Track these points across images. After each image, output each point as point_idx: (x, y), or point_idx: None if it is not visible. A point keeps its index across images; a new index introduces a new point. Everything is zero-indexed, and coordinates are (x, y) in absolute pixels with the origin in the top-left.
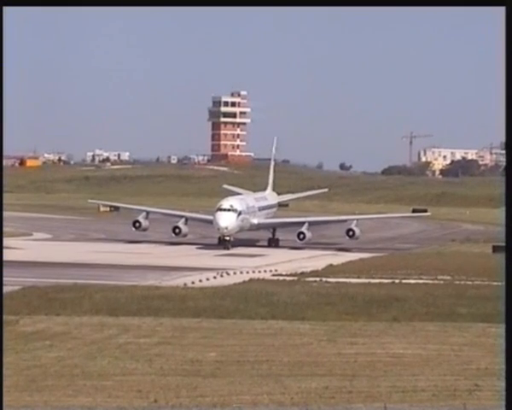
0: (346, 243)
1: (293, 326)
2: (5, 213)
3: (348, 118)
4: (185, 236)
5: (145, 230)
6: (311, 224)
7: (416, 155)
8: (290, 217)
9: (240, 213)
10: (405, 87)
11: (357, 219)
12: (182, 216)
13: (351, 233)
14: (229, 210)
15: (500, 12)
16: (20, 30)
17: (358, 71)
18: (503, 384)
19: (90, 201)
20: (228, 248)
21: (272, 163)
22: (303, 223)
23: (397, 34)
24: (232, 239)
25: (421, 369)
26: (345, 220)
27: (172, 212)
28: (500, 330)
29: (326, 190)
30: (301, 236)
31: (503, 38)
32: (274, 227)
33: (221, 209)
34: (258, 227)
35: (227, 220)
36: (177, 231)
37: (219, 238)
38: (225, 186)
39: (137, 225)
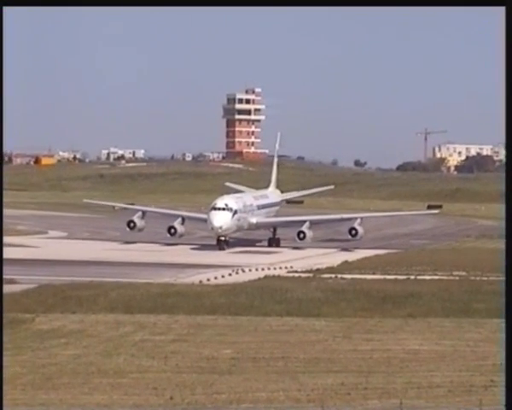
0: (353, 242)
1: (309, 323)
2: (20, 212)
3: (363, 114)
4: (181, 236)
5: (141, 230)
6: (312, 223)
7: (431, 151)
8: (292, 215)
9: (235, 213)
10: (420, 83)
11: (362, 218)
12: (179, 215)
13: (353, 232)
14: (223, 209)
15: (500, 12)
16: (26, 29)
17: (373, 67)
18: None
19: (84, 200)
20: (223, 249)
21: (275, 160)
22: (304, 222)
23: (411, 32)
24: (228, 239)
25: (437, 365)
26: (349, 219)
27: (169, 211)
28: None
29: (332, 187)
30: (301, 235)
31: (503, 38)
32: (274, 226)
33: (215, 208)
34: (257, 226)
35: (221, 220)
36: (172, 231)
37: (218, 239)
38: (227, 184)
39: (132, 225)
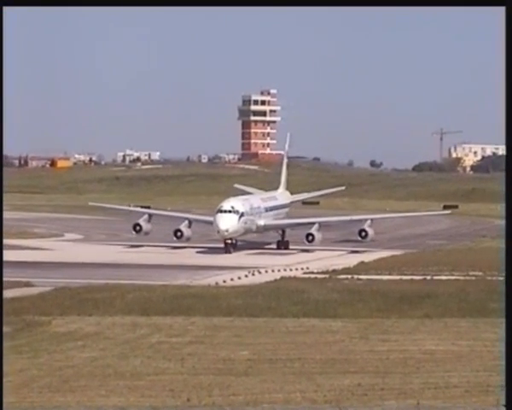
0: (369, 243)
1: (325, 324)
2: (36, 215)
3: (378, 115)
4: (188, 239)
5: (147, 233)
6: (322, 224)
7: (447, 151)
8: (307, 216)
9: (242, 215)
10: (435, 83)
11: (372, 219)
12: (185, 218)
13: (363, 234)
14: (230, 212)
15: (500, 12)
16: (27, 29)
17: (388, 68)
18: None
19: (90, 203)
20: (230, 252)
21: (285, 161)
22: (313, 224)
23: (426, 31)
24: (235, 242)
25: (454, 365)
26: (359, 220)
27: (175, 214)
28: None
29: (343, 187)
30: (310, 237)
31: (503, 38)
32: (283, 229)
33: (221, 211)
34: (266, 229)
35: (227, 223)
36: (178, 234)
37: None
38: (237, 186)
39: (138, 228)
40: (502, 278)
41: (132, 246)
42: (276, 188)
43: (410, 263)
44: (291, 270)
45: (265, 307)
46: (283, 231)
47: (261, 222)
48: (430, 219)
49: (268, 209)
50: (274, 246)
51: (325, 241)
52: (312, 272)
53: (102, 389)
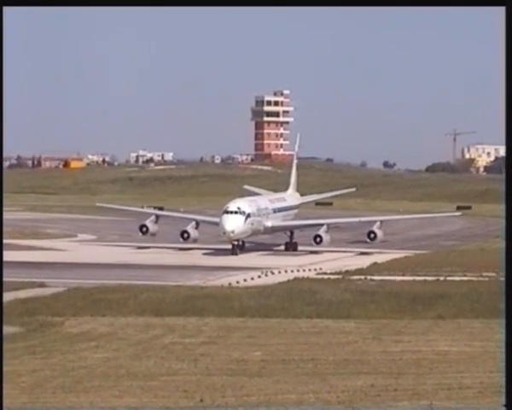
0: (383, 243)
1: (339, 325)
2: (50, 215)
3: (391, 116)
4: (195, 241)
5: (153, 234)
6: (331, 226)
7: (460, 152)
8: (312, 218)
9: (248, 216)
10: (449, 84)
11: (381, 221)
12: (192, 219)
13: (372, 236)
14: (235, 213)
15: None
16: (29, 29)
17: (401, 68)
18: None
19: (97, 204)
20: (236, 254)
21: (295, 162)
22: (322, 225)
23: (439, 32)
24: (243, 243)
25: (467, 366)
26: (369, 222)
27: (182, 215)
28: None
29: (354, 189)
30: (318, 239)
31: (503, 38)
32: (291, 230)
33: (227, 212)
34: (273, 230)
35: (233, 224)
36: (185, 235)
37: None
38: (246, 187)
39: (144, 229)
40: None
41: (140, 247)
42: (294, 189)
43: (424, 264)
44: (304, 271)
45: (278, 307)
46: (291, 233)
47: (268, 223)
48: (443, 220)
49: (276, 210)
50: (282, 248)
51: (338, 242)
52: (325, 273)
53: (116, 389)
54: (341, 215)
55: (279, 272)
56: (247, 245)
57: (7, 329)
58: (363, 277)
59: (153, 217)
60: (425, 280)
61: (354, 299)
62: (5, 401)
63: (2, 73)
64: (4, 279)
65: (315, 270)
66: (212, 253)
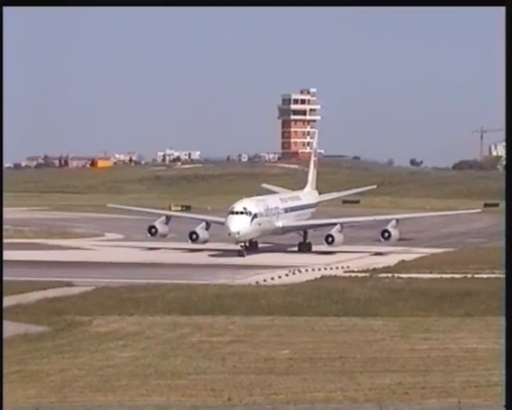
0: (410, 241)
1: (366, 323)
2: (77, 214)
3: (418, 113)
4: (205, 242)
5: (163, 236)
6: (344, 225)
7: (487, 149)
8: (324, 218)
9: (255, 217)
10: (475, 81)
11: (397, 220)
12: (203, 220)
13: (386, 235)
14: (241, 213)
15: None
16: (35, 29)
17: (428, 65)
18: None
19: (108, 205)
20: (243, 256)
21: (313, 159)
22: (335, 224)
23: (465, 28)
24: (247, 245)
25: (495, 364)
26: (384, 220)
27: (193, 215)
28: None
29: (374, 186)
30: (330, 239)
31: (503, 38)
32: (304, 230)
33: (232, 212)
34: (284, 231)
35: (239, 225)
36: (193, 237)
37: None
38: (264, 185)
39: (153, 230)
40: None
41: (150, 248)
42: (317, 187)
43: (451, 261)
44: (331, 269)
45: (306, 305)
46: (305, 233)
47: (279, 223)
48: (470, 218)
49: (288, 210)
50: (295, 248)
51: (363, 240)
52: (353, 271)
53: (143, 388)
54: (365, 213)
55: (306, 271)
56: (260, 246)
57: (35, 328)
58: (390, 275)
59: (163, 218)
60: (452, 278)
61: (382, 297)
62: (5, 401)
63: (2, 73)
64: (32, 279)
65: (342, 268)
66: (219, 254)
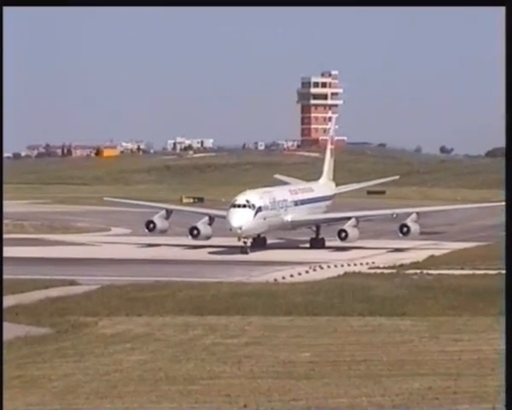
0: (442, 234)
1: (393, 323)
2: (81, 208)
3: (449, 97)
4: (208, 238)
5: (163, 231)
6: (360, 219)
7: None
8: (337, 211)
9: (259, 210)
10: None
11: (418, 213)
12: (206, 214)
13: (405, 230)
14: (244, 206)
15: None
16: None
17: (458, 47)
18: None
19: (105, 198)
20: (246, 253)
21: (329, 147)
22: (350, 218)
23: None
24: (249, 243)
25: None
26: (406, 213)
27: (195, 209)
28: None
29: (397, 177)
30: (343, 234)
31: (503, 38)
32: (317, 225)
33: (234, 206)
34: (293, 225)
35: (241, 219)
36: (194, 232)
37: (253, 240)
38: (276, 176)
39: (151, 226)
40: None
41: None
42: (339, 177)
43: (484, 256)
44: (355, 265)
45: (328, 305)
46: (317, 228)
47: (287, 217)
48: (503, 209)
49: (298, 203)
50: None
51: (387, 234)
52: (378, 267)
53: (153, 394)
54: (390, 205)
55: (328, 267)
56: (269, 242)
57: (37, 330)
58: (418, 271)
59: (163, 212)
60: (485, 274)
61: (409, 295)
62: (5, 402)
63: (2, 73)
64: (33, 277)
65: (367, 264)
66: (220, 251)
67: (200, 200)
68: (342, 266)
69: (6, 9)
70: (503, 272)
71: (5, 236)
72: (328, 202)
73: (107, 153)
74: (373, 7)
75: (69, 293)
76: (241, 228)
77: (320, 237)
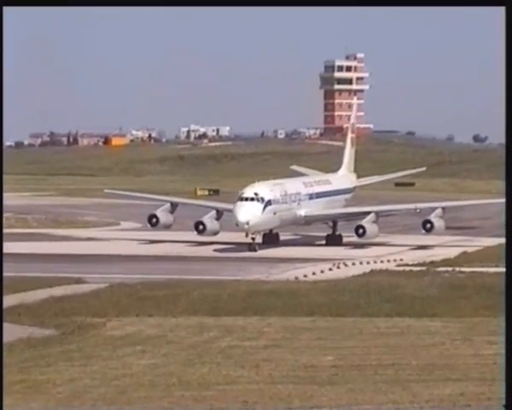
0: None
1: (423, 324)
2: (88, 200)
3: (482, 81)
4: (215, 233)
5: (167, 226)
6: (380, 214)
7: None
8: (358, 206)
9: (268, 204)
10: None
11: (443, 208)
12: (213, 208)
13: (428, 226)
14: (252, 199)
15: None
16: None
17: (490, 28)
18: None
19: (106, 191)
20: (255, 250)
21: (349, 136)
22: (369, 213)
23: None
24: (257, 239)
25: None
26: (431, 208)
27: (201, 202)
28: None
29: (423, 168)
30: (360, 231)
31: (503, 38)
32: (333, 220)
33: (242, 199)
34: (307, 220)
35: (248, 213)
36: (200, 227)
37: (264, 236)
38: (293, 167)
39: (154, 220)
40: None
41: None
42: (366, 168)
43: None
44: (382, 262)
45: (353, 304)
46: (334, 223)
47: (300, 212)
48: None
49: (313, 196)
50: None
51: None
52: (407, 265)
53: (165, 400)
54: (419, 198)
55: (353, 264)
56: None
57: (40, 331)
58: (450, 268)
59: (167, 205)
60: None
61: (440, 294)
62: (6, 409)
63: (2, 73)
64: (37, 275)
65: (394, 261)
66: (227, 249)
67: (216, 192)
68: (368, 263)
69: (6, 9)
70: None
71: (7, 230)
72: (347, 196)
73: (115, 141)
74: None
75: (75, 292)
76: (248, 223)
77: (337, 233)
